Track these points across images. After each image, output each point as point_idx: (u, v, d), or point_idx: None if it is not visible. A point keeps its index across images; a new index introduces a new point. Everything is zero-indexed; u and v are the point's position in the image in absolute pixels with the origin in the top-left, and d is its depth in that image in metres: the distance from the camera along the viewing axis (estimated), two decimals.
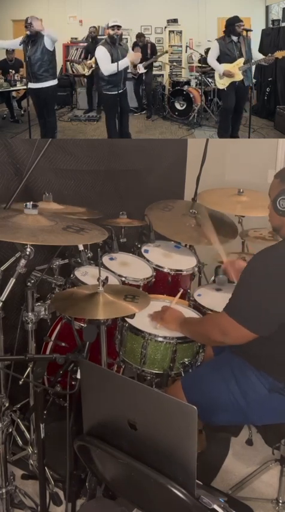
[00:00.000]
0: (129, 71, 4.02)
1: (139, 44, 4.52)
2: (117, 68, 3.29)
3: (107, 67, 3.34)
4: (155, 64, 4.97)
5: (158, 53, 4.63)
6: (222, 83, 3.53)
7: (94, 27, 4.72)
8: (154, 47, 4.64)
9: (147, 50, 4.52)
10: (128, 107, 3.77)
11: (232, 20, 3.42)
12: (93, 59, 4.58)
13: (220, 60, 3.50)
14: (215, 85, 3.79)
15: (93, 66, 4.62)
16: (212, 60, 3.54)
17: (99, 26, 4.85)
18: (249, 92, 3.71)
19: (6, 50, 4.49)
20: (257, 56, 3.53)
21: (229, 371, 1.70)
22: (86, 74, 4.80)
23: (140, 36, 4.59)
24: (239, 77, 3.45)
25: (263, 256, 1.58)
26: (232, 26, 3.40)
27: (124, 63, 3.36)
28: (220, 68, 3.48)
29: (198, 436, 1.12)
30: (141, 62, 4.35)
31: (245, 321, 1.56)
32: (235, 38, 3.43)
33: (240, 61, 3.43)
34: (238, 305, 1.61)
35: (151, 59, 4.48)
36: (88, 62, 4.69)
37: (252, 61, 3.45)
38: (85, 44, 5.00)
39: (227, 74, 3.44)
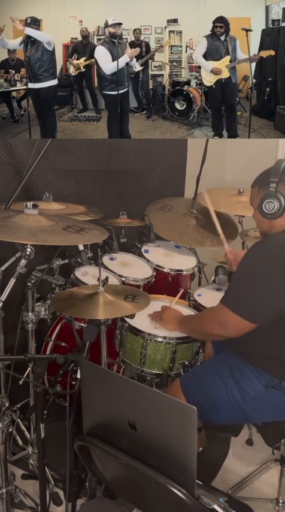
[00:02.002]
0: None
1: (139, 39, 4.52)
2: (117, 65, 3.28)
3: (108, 66, 3.32)
4: (155, 64, 4.97)
5: (155, 52, 4.64)
6: (209, 81, 3.52)
7: (85, 27, 4.73)
8: (148, 46, 4.64)
9: (142, 48, 4.53)
10: (128, 107, 3.76)
11: (215, 19, 3.43)
12: (81, 59, 4.61)
13: (206, 57, 3.50)
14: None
15: (82, 68, 4.62)
16: (198, 56, 3.53)
17: (99, 26, 4.85)
18: (250, 92, 3.70)
19: (8, 50, 4.48)
20: (241, 56, 3.50)
21: (226, 369, 1.70)
22: (72, 74, 4.79)
23: (136, 30, 4.60)
24: (225, 74, 3.45)
25: (259, 246, 1.59)
26: (213, 25, 3.42)
27: (124, 59, 3.34)
28: (208, 65, 3.47)
29: (198, 434, 1.12)
30: (136, 60, 4.35)
31: (241, 311, 1.56)
32: (222, 37, 3.43)
33: (227, 59, 3.42)
34: (234, 295, 1.61)
35: (147, 56, 4.48)
36: (75, 61, 4.67)
37: (236, 60, 3.44)
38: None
39: (216, 71, 3.43)
